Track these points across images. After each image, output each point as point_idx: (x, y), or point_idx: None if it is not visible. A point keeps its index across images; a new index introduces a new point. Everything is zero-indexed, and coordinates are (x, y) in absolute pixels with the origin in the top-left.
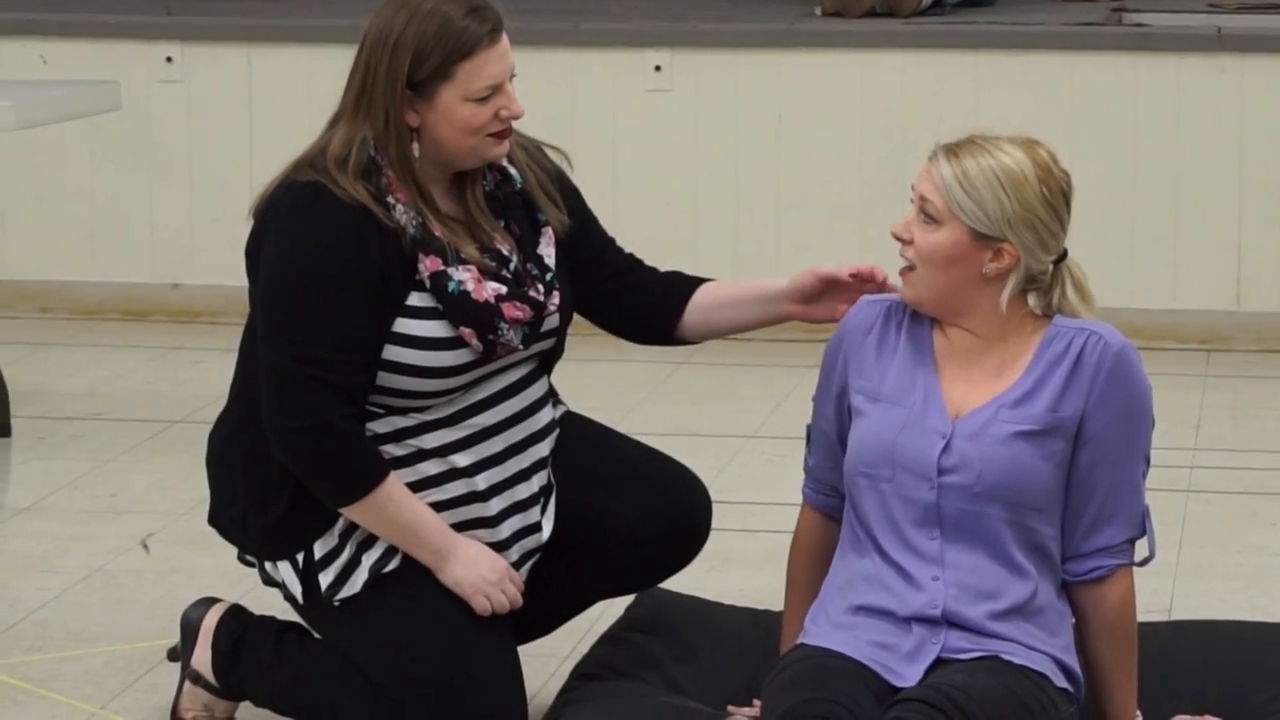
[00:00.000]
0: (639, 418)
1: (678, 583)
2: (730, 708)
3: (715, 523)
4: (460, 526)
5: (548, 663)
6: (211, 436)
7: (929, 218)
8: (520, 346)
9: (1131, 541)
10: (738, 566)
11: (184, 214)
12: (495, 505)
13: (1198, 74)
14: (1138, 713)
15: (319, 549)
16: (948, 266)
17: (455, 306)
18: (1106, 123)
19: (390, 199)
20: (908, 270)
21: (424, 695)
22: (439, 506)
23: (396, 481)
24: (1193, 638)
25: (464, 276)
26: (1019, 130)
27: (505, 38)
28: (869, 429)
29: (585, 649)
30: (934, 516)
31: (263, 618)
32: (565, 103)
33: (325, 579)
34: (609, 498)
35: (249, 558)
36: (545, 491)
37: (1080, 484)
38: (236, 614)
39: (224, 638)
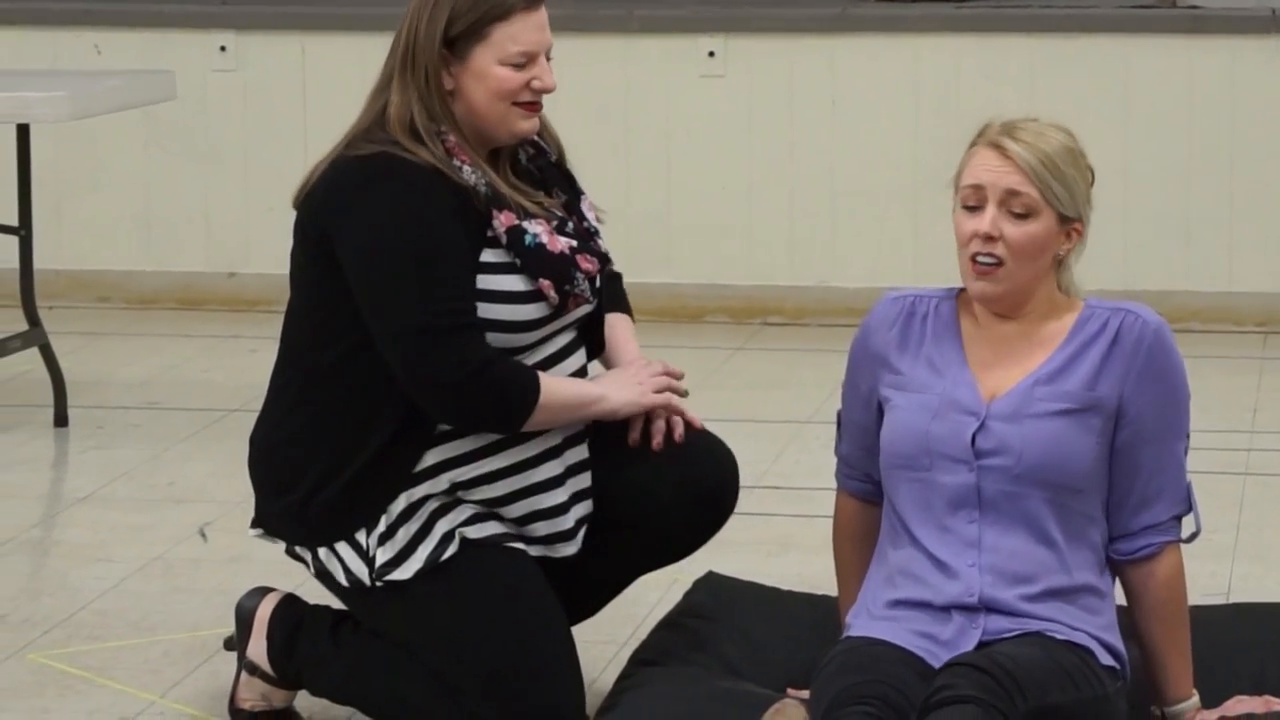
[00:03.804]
0: (694, 403)
1: (735, 568)
2: (790, 690)
3: (771, 508)
4: (524, 494)
5: (606, 649)
6: (254, 437)
7: (1023, 210)
8: (591, 300)
9: (1178, 518)
10: (795, 551)
11: (239, 203)
12: (552, 469)
13: (1252, 56)
14: (1194, 692)
15: (383, 522)
16: (1038, 256)
17: (533, 259)
18: (1161, 106)
19: (455, 161)
20: (994, 267)
21: (483, 681)
22: (497, 475)
23: (548, 376)
24: (1251, 620)
25: (538, 230)
26: (1073, 114)
27: (544, 12)
28: (901, 420)
29: (644, 635)
30: (973, 499)
31: (317, 607)
32: (619, 89)
33: (381, 555)
34: (637, 471)
35: (300, 550)
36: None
37: (1124, 464)
38: (291, 603)
39: (279, 628)
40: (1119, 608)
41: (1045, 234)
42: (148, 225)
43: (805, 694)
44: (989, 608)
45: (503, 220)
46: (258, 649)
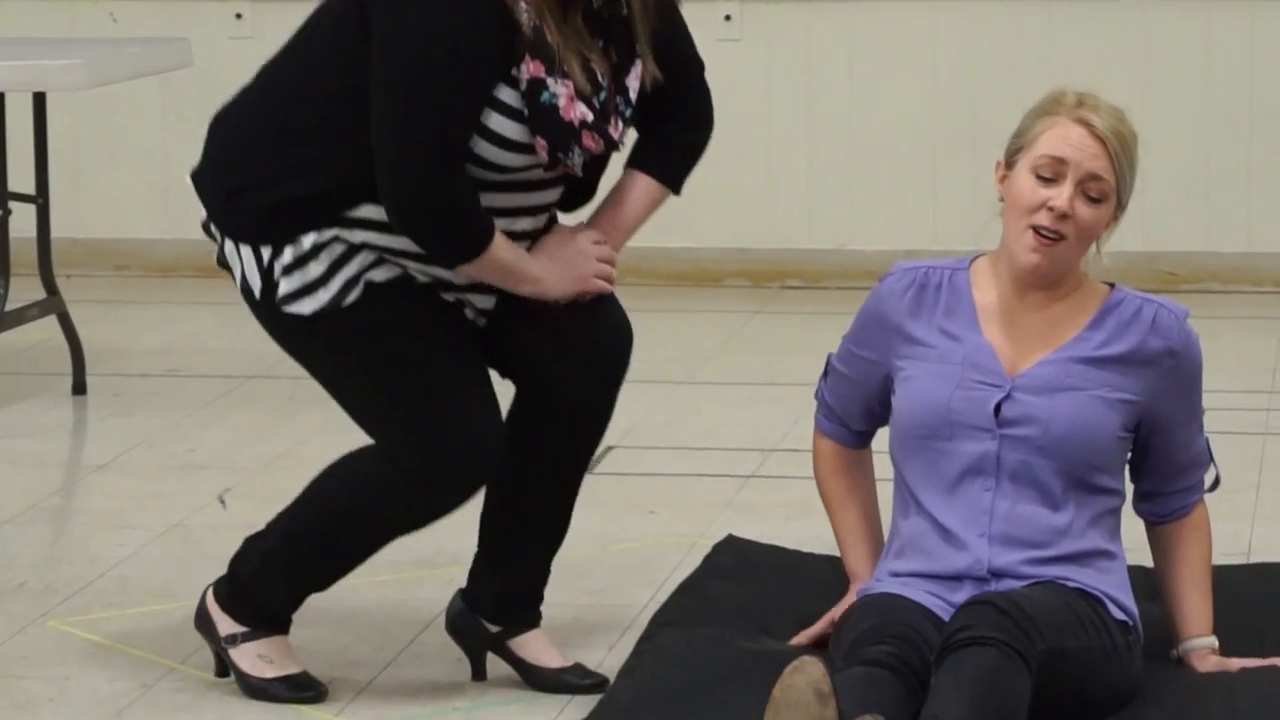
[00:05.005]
0: (715, 368)
1: (754, 531)
2: (802, 633)
3: (791, 471)
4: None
5: (626, 612)
6: (225, 111)
7: (1098, 194)
8: (579, 173)
9: (1203, 477)
10: (814, 514)
11: None
12: (460, 279)
13: (1271, 16)
14: (1212, 635)
15: (289, 253)
16: (1093, 238)
17: (540, 117)
18: (1180, 66)
19: None
20: (1056, 242)
21: (395, 420)
22: (411, 255)
23: (501, 237)
24: (1273, 579)
25: (559, 91)
26: (1092, 75)
27: None
28: (921, 392)
29: (664, 598)
30: (991, 467)
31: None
32: None
33: (285, 286)
34: (534, 343)
35: (213, 228)
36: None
37: (1161, 445)
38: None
39: (223, 586)
40: (1133, 568)
41: (1106, 218)
42: (165, 193)
43: (811, 631)
44: (998, 575)
45: (530, 69)
46: (224, 623)
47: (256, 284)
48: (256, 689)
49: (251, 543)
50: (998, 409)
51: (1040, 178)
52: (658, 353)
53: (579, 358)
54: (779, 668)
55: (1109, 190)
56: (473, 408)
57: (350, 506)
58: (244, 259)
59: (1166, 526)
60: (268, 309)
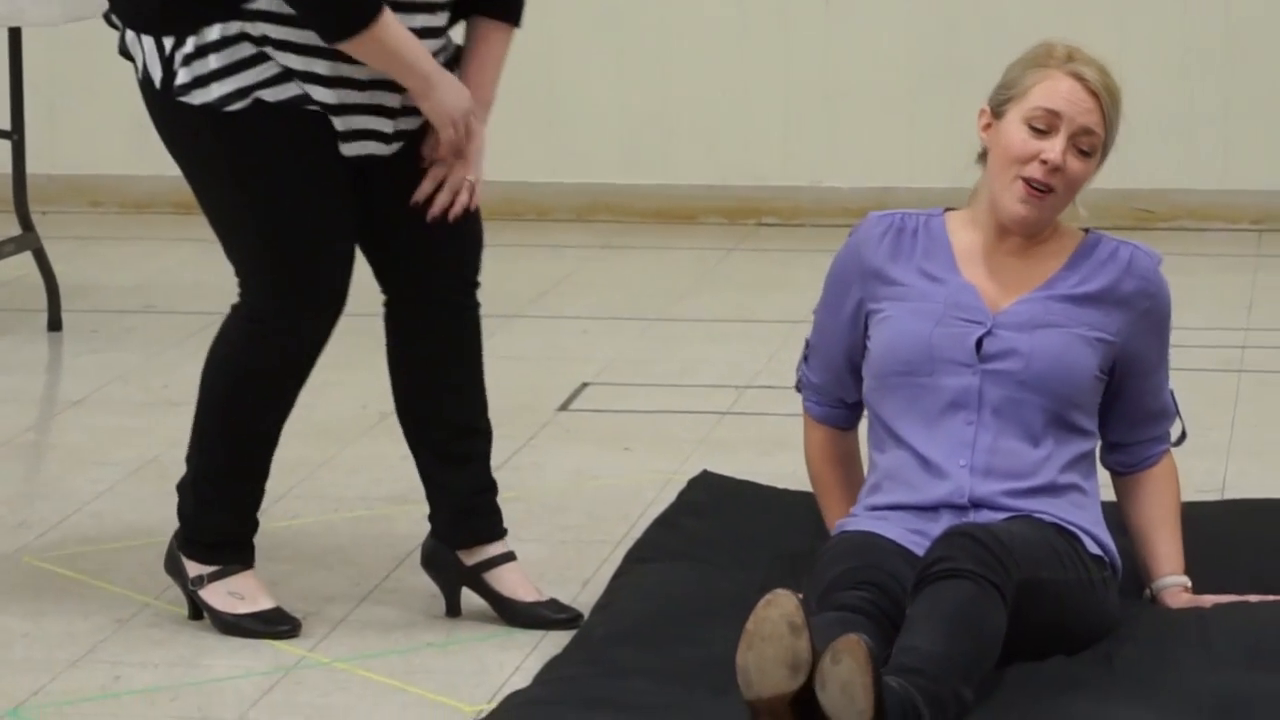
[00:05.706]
0: (691, 304)
1: (729, 467)
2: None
3: (765, 407)
4: (339, 83)
5: (601, 548)
6: None
7: (1088, 148)
8: None
9: (1169, 427)
10: (789, 450)
11: None
12: (386, 98)
13: None
14: (1186, 578)
15: (191, 43)
16: (1079, 189)
17: None
18: (1157, 3)
19: None
20: (1045, 194)
21: (247, 231)
22: (312, 51)
23: (395, 19)
24: (1247, 516)
25: None
26: (1069, 12)
27: None
28: (902, 328)
29: (638, 533)
30: (974, 401)
31: None
32: None
33: (182, 75)
34: (402, 239)
35: (115, 19)
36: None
37: (1132, 390)
38: None
39: (179, 533)
40: (1107, 504)
41: (1093, 171)
42: (142, 128)
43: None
44: (977, 504)
45: None
46: (190, 566)
47: (157, 73)
48: (229, 624)
49: (181, 484)
50: (979, 344)
51: (1033, 129)
52: (633, 289)
53: (433, 257)
54: (753, 602)
55: (1099, 144)
56: (325, 231)
57: (230, 384)
58: (145, 49)
59: (1134, 476)
60: (163, 99)
